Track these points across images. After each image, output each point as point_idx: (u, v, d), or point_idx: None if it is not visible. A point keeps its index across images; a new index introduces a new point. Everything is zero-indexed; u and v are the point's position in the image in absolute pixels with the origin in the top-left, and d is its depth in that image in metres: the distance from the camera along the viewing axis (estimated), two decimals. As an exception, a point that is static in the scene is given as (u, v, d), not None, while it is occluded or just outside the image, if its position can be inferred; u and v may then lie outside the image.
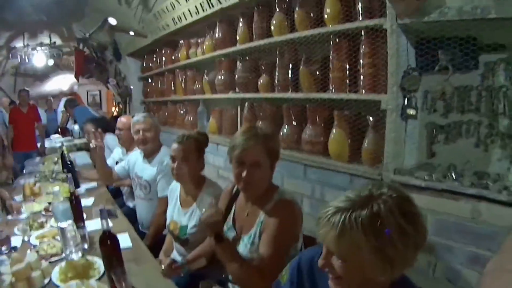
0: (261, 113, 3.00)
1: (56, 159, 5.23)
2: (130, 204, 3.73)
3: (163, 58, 4.99)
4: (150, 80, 5.83)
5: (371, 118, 2.11)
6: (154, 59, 5.41)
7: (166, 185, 2.80)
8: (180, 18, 3.79)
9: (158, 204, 2.96)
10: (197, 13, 3.49)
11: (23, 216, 3.11)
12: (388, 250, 0.95)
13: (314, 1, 2.48)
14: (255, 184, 1.71)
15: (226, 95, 3.47)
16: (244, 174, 1.69)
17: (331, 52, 2.32)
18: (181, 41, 4.38)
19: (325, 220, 1.01)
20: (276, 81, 2.80)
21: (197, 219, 2.31)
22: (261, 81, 2.96)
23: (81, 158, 5.47)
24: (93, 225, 2.65)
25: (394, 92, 1.94)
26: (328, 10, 2.32)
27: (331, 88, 2.34)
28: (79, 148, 7.05)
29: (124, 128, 3.68)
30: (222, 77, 3.50)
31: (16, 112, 6.84)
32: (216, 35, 3.48)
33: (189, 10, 3.56)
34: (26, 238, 2.55)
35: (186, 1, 3.51)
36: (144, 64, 5.87)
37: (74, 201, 2.43)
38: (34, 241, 2.49)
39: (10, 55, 8.19)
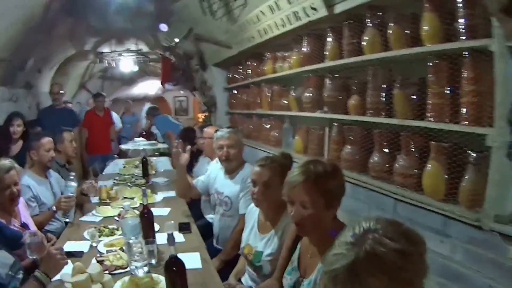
0: (350, 137, 3.02)
1: (137, 163, 5.67)
2: (207, 217, 3.97)
3: (249, 71, 5.22)
4: (235, 92, 6.10)
5: (472, 154, 2.04)
6: (240, 70, 5.67)
7: (250, 202, 2.91)
8: (266, 31, 3.94)
9: (240, 221, 3.11)
10: (283, 26, 3.61)
11: (97, 219, 3.43)
12: (402, 275, 1.03)
13: (410, 17, 2.46)
14: (305, 225, 1.75)
15: (313, 114, 3.55)
16: (292, 213, 1.74)
17: (430, 75, 2.28)
18: (267, 54, 4.56)
19: (332, 285, 1.08)
20: (367, 103, 2.81)
21: (274, 246, 2.40)
22: (351, 102, 2.99)
23: (163, 164, 5.97)
24: (165, 238, 2.84)
25: (502, 127, 1.86)
26: (426, 27, 2.29)
27: (428, 116, 2.30)
28: (161, 153, 7.56)
29: (207, 137, 4.07)
30: (310, 95, 3.59)
31: (92, 115, 7.50)
32: (304, 49, 3.58)
33: (275, 22, 3.70)
34: (94, 244, 2.77)
35: (272, 13, 3.65)
36: (230, 75, 6.17)
37: (146, 214, 2.62)
38: (102, 248, 2.70)
39: (97, 60, 9.07)
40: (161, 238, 2.63)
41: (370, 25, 2.74)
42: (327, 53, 3.27)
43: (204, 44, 6.04)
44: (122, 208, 3.51)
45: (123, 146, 8.90)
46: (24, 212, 3.01)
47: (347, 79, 3.16)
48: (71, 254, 2.56)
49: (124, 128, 10.54)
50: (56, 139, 4.10)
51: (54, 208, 3.33)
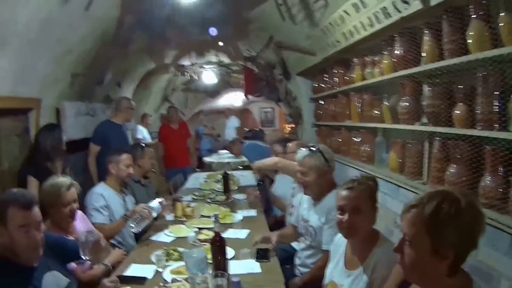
0: (456, 154, 2.66)
1: (219, 177, 5.60)
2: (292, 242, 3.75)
3: (335, 79, 5.00)
4: (322, 102, 5.91)
5: None
6: (326, 79, 5.47)
7: (334, 236, 2.71)
8: (352, 33, 3.70)
9: (322, 257, 2.92)
10: (371, 25, 3.35)
11: (168, 239, 3.40)
12: None
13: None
14: (407, 267, 1.48)
15: (411, 126, 3.23)
16: (395, 246, 1.49)
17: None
18: (355, 60, 4.31)
19: None
20: (476, 113, 2.44)
21: (363, 286, 2.15)
22: (456, 112, 2.64)
23: (246, 178, 5.88)
24: (240, 267, 2.71)
25: None
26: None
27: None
28: (246, 167, 7.55)
29: (290, 152, 3.95)
30: (406, 104, 3.28)
31: (166, 129, 7.68)
32: (396, 52, 3.28)
33: (361, 23, 3.45)
34: (160, 269, 2.70)
35: (357, 12, 3.40)
36: (315, 84, 6.00)
37: (218, 243, 2.50)
38: (167, 275, 2.60)
39: (179, 73, 9.39)
40: (235, 267, 2.59)
41: (475, 16, 2.38)
42: (424, 54, 2.94)
43: (286, 52, 5.94)
44: (197, 228, 3.56)
45: (207, 159, 9.14)
46: (81, 226, 3.07)
47: (450, 85, 2.80)
48: (132, 280, 2.54)
49: (206, 141, 10.81)
50: (137, 154, 4.35)
51: (127, 213, 3.44)
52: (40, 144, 3.94)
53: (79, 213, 3.14)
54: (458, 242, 1.39)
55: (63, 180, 2.85)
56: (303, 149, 3.15)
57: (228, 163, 8.62)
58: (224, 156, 9.26)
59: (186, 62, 8.83)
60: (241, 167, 7.89)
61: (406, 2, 2.78)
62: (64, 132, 4.99)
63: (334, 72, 5.03)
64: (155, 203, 3.52)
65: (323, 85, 5.66)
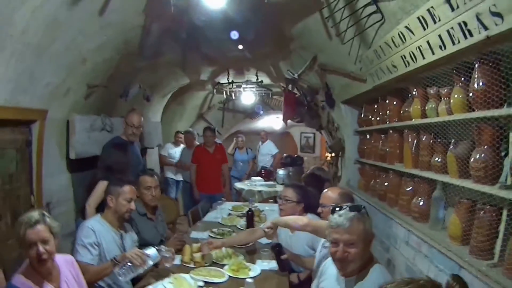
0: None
1: (245, 210, 5.10)
2: None
3: (388, 111, 4.23)
4: (368, 137, 5.14)
5: None
6: (376, 110, 4.73)
7: None
8: (414, 57, 2.89)
9: None
10: (442, 47, 2.54)
11: None
12: None
13: None
14: None
15: (487, 187, 2.39)
16: None
17: None
18: (415, 91, 3.49)
19: None
20: None
21: None
22: None
23: (275, 215, 5.01)
24: None
25: None
26: None
27: None
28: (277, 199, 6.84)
29: (329, 203, 3.12)
30: (482, 156, 2.44)
31: (201, 151, 7.33)
32: (474, 85, 2.46)
33: (428, 43, 2.64)
34: None
35: (424, 29, 2.61)
36: (362, 115, 5.25)
37: None
38: None
39: (215, 91, 9.02)
40: None
41: None
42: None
43: (330, 76, 5.25)
44: (204, 280, 3.01)
45: (237, 185, 8.47)
46: (69, 274, 2.59)
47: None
48: None
49: (235, 167, 10.26)
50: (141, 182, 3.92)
51: (116, 257, 2.93)
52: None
53: (65, 257, 2.67)
54: None
55: (29, 215, 2.38)
56: (344, 208, 2.32)
57: (259, 191, 7.98)
58: (256, 183, 8.55)
59: (223, 80, 8.40)
60: (271, 200, 7.21)
61: (499, 15, 1.96)
62: (71, 148, 4.81)
63: (386, 103, 4.27)
64: (152, 250, 2.99)
65: (371, 117, 4.92)
